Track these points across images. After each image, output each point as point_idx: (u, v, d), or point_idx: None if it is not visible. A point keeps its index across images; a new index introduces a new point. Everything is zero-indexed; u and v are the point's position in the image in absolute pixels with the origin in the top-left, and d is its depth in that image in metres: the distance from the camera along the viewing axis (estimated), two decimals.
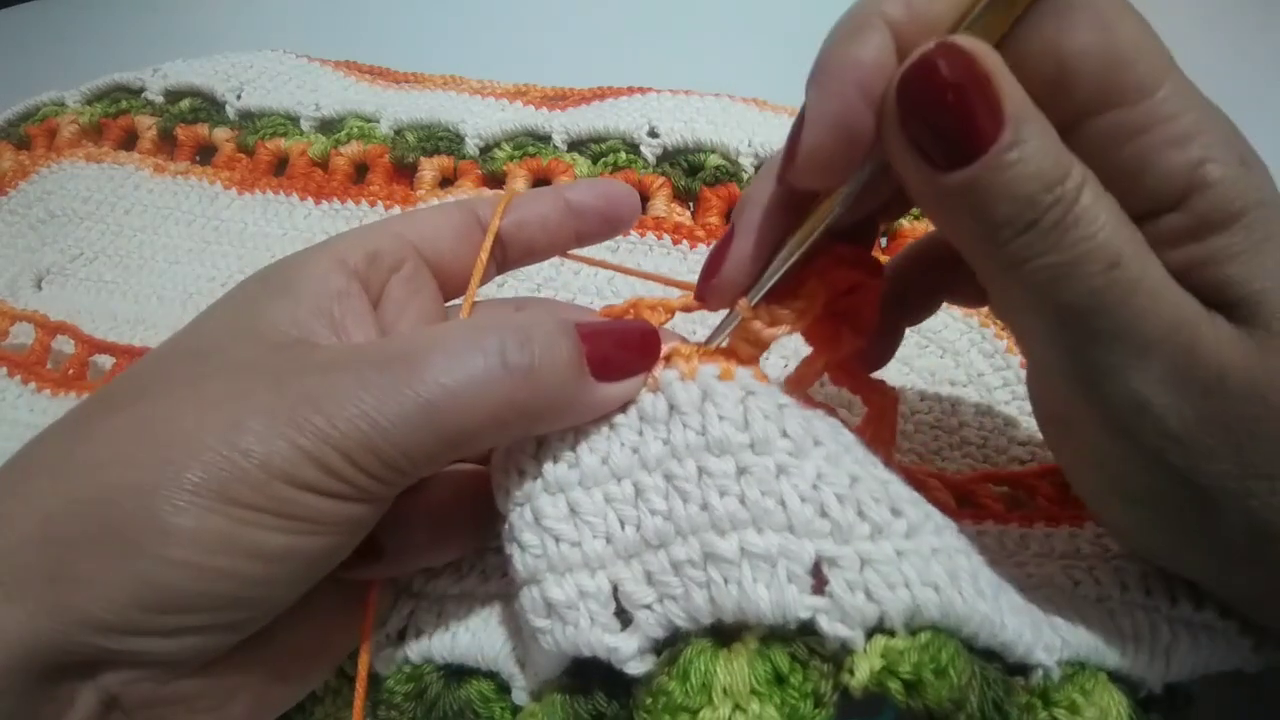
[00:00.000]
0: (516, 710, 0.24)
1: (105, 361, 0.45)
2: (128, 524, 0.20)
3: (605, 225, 0.30)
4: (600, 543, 0.22)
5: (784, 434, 0.22)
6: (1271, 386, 0.18)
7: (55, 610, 0.19)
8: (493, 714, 0.24)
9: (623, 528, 0.22)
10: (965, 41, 0.18)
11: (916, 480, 0.31)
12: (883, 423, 0.28)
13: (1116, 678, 0.23)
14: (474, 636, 0.25)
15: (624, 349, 0.23)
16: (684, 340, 0.25)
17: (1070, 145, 0.18)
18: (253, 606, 0.21)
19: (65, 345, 0.45)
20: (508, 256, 0.29)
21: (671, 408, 0.23)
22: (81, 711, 0.20)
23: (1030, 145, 0.18)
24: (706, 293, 0.24)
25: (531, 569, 0.23)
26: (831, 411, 0.24)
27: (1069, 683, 0.22)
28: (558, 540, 0.22)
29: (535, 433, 0.23)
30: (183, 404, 0.21)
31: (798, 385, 0.26)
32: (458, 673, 0.25)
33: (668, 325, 0.27)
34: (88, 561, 0.19)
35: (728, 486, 0.21)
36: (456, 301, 0.28)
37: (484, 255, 0.27)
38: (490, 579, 0.27)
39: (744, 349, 0.24)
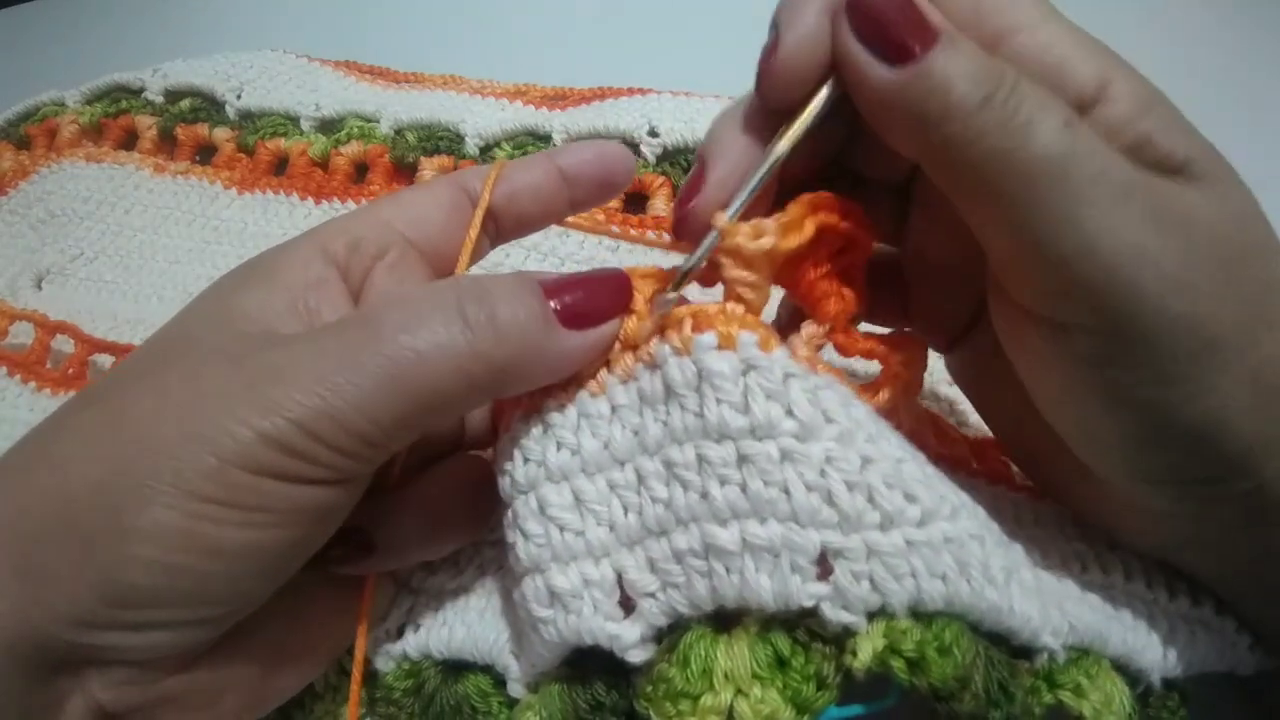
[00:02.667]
0: (513, 703, 0.24)
1: (105, 361, 0.45)
2: (89, 519, 0.19)
3: (600, 189, 0.29)
4: (604, 530, 0.22)
5: (789, 414, 0.21)
6: (1234, 225, 0.20)
7: (25, 605, 0.19)
8: (490, 708, 0.24)
9: (626, 514, 0.22)
10: None
11: (938, 428, 0.30)
12: (901, 381, 0.26)
13: (1117, 667, 0.23)
14: (469, 630, 0.25)
15: (590, 294, 0.23)
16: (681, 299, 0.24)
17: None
18: (221, 602, 0.21)
19: (65, 345, 0.45)
20: (500, 230, 0.28)
21: (668, 388, 0.22)
22: (73, 718, 0.20)
23: (963, 44, 0.20)
24: (683, 219, 0.23)
25: (535, 558, 0.22)
26: (841, 378, 0.23)
27: (1074, 666, 0.22)
28: (562, 529, 0.22)
29: (514, 389, 0.23)
30: (143, 394, 0.21)
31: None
32: (455, 668, 0.25)
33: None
34: (54, 556, 0.19)
35: (728, 475, 0.20)
36: None
37: (473, 231, 0.27)
38: (487, 573, 0.27)
39: (745, 293, 0.23)
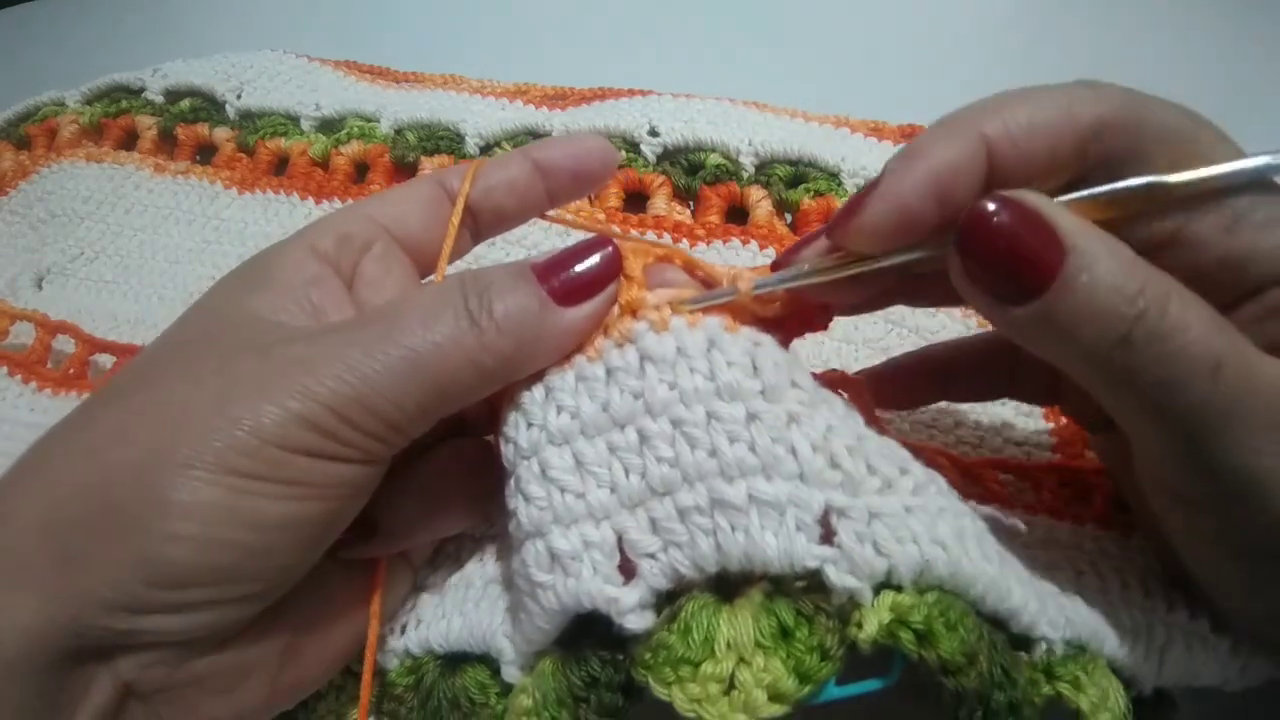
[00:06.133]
0: (509, 689, 0.23)
1: (106, 361, 0.45)
2: (127, 502, 0.20)
3: (576, 182, 0.29)
4: (605, 492, 0.22)
5: (794, 384, 0.22)
6: None
7: (63, 595, 0.19)
8: (488, 699, 0.24)
9: (627, 476, 0.22)
10: (1010, 191, 0.20)
11: (925, 457, 0.31)
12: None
13: (1112, 669, 0.23)
14: (465, 618, 0.25)
15: (580, 267, 0.24)
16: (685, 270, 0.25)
17: (1172, 249, 0.20)
18: (258, 578, 0.21)
19: (66, 345, 0.45)
20: (479, 225, 0.29)
21: (679, 349, 0.22)
22: (97, 699, 0.20)
23: (1100, 266, 0.19)
24: (834, 229, 0.23)
25: (536, 521, 0.22)
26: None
27: (1072, 661, 0.22)
28: (563, 491, 0.22)
29: (526, 371, 0.24)
30: (174, 386, 0.22)
31: None
32: (454, 661, 0.25)
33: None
34: (92, 543, 0.20)
35: (737, 433, 0.21)
36: (433, 277, 0.28)
37: (454, 224, 0.27)
38: (486, 564, 0.27)
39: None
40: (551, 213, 0.30)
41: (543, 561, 0.22)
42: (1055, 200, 0.20)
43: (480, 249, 0.32)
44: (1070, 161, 0.21)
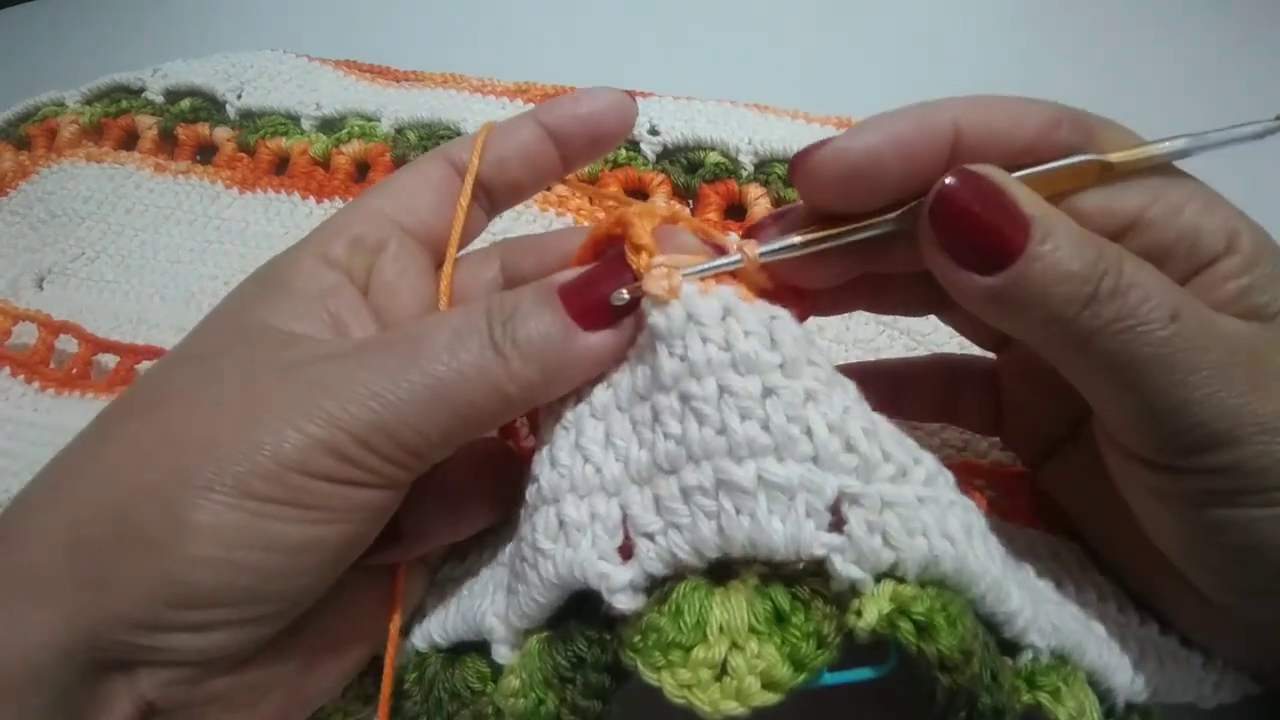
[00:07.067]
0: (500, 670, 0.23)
1: (109, 360, 0.45)
2: (149, 524, 0.20)
3: (591, 144, 0.27)
4: (620, 466, 0.22)
5: (811, 361, 0.21)
6: None
7: (87, 611, 0.20)
8: (485, 689, 0.23)
9: (639, 450, 0.21)
10: (975, 166, 0.21)
11: None
12: None
13: (1090, 681, 0.22)
14: (459, 605, 0.25)
15: (604, 292, 0.23)
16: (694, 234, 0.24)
17: (1133, 231, 0.22)
18: (279, 599, 0.21)
19: (68, 345, 0.45)
20: (494, 200, 0.28)
21: (690, 316, 0.21)
22: (119, 717, 0.20)
23: (1060, 233, 0.20)
24: (799, 162, 0.23)
25: (555, 488, 0.22)
26: None
27: (1053, 671, 0.22)
28: (586, 461, 0.22)
29: (550, 398, 0.23)
30: (196, 405, 0.22)
31: None
32: (456, 653, 0.25)
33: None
34: (115, 563, 0.20)
35: (750, 409, 0.20)
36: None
37: (463, 203, 0.26)
38: (488, 554, 0.27)
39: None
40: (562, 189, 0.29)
41: (551, 529, 0.22)
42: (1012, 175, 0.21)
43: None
44: (1030, 147, 0.22)
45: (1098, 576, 0.26)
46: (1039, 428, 0.29)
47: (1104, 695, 0.23)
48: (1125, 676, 0.23)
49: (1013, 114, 0.22)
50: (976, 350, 0.30)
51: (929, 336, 0.41)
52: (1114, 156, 0.22)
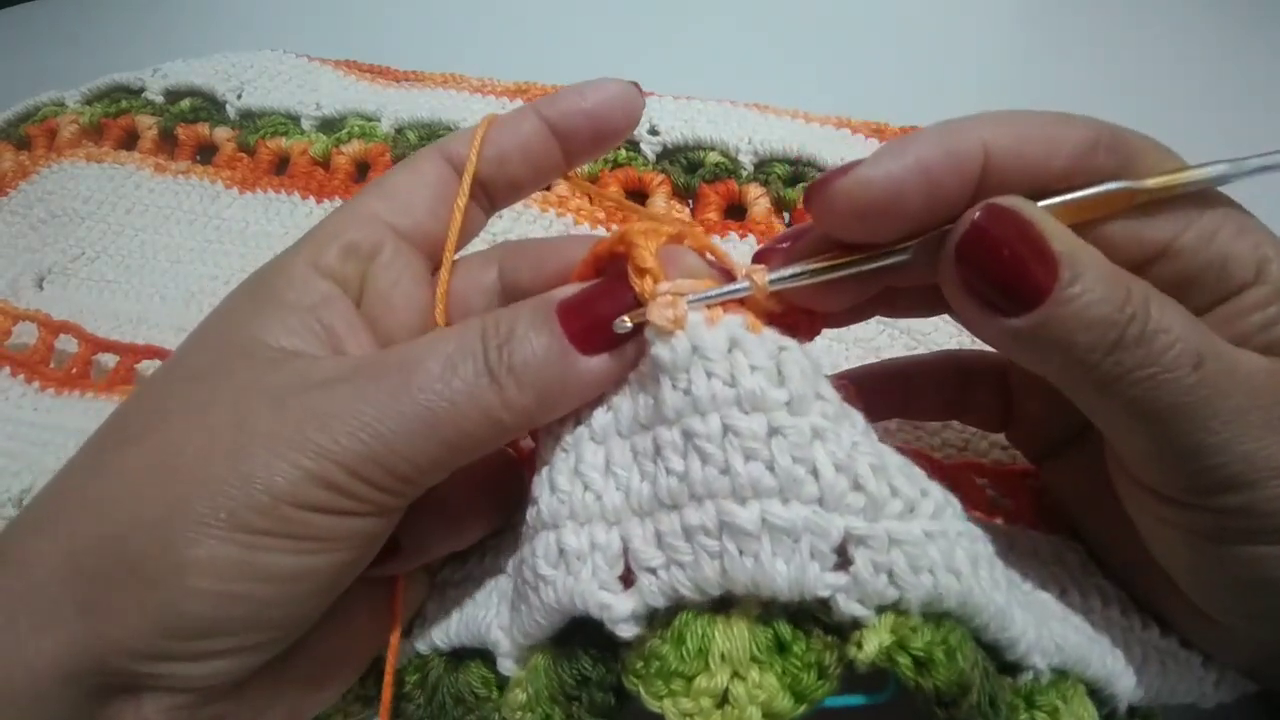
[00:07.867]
0: (505, 682, 0.23)
1: (109, 360, 0.45)
2: (146, 559, 0.20)
3: (596, 139, 0.26)
4: (620, 496, 0.21)
5: (819, 395, 0.20)
6: None
7: (88, 639, 0.20)
8: (491, 695, 0.24)
9: (641, 482, 0.21)
10: (1006, 200, 0.20)
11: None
12: None
13: (1091, 690, 0.23)
14: (462, 612, 0.25)
15: (604, 314, 0.22)
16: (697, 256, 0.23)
17: (1163, 258, 0.21)
18: (275, 626, 0.21)
19: (68, 344, 0.45)
20: (493, 199, 0.27)
21: (695, 349, 0.20)
22: None
23: (1089, 275, 0.20)
24: (815, 191, 0.22)
25: (555, 514, 0.22)
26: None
27: (1052, 688, 0.22)
28: (586, 488, 0.22)
29: (545, 421, 0.23)
30: (189, 434, 0.21)
31: None
32: (459, 657, 0.25)
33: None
34: (114, 594, 0.20)
35: (755, 450, 0.19)
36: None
37: (460, 204, 0.25)
38: (489, 560, 0.27)
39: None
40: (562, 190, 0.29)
41: (551, 555, 0.22)
42: (1039, 205, 0.21)
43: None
44: (1065, 174, 0.21)
45: (1100, 580, 0.26)
46: (1047, 428, 0.29)
47: (1107, 700, 0.23)
48: (1129, 682, 0.23)
49: (1047, 137, 0.21)
50: (985, 345, 0.30)
51: (929, 335, 0.41)
52: (1149, 183, 0.21)
